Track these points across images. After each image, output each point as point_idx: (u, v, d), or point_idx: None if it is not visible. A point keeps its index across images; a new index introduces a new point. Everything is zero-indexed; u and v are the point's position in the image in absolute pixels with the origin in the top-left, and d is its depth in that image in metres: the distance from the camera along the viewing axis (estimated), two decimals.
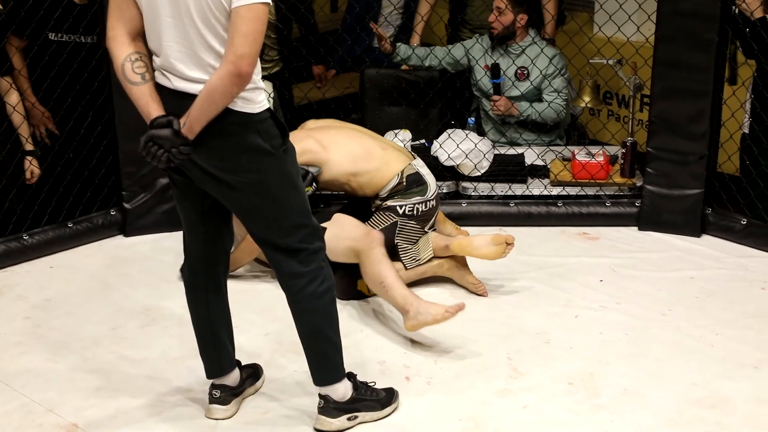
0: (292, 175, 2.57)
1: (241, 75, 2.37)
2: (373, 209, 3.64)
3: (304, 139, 3.53)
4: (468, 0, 4.92)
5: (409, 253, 3.59)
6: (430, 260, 3.61)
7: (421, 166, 3.68)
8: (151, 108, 2.46)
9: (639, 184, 4.24)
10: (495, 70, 4.57)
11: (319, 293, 2.65)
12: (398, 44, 4.67)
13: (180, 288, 2.82)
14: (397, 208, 3.57)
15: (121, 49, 2.48)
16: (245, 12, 2.34)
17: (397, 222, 3.56)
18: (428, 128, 4.71)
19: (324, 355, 2.73)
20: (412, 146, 4.44)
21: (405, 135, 4.44)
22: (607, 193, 4.28)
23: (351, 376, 2.82)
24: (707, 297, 3.61)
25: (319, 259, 2.66)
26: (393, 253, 3.52)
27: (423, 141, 4.57)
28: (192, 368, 3.08)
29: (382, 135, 4.45)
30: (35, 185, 3.97)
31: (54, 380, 3.07)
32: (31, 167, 3.96)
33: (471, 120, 4.64)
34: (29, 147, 3.96)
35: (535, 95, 4.63)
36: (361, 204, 3.69)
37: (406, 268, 3.57)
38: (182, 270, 2.88)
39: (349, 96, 4.83)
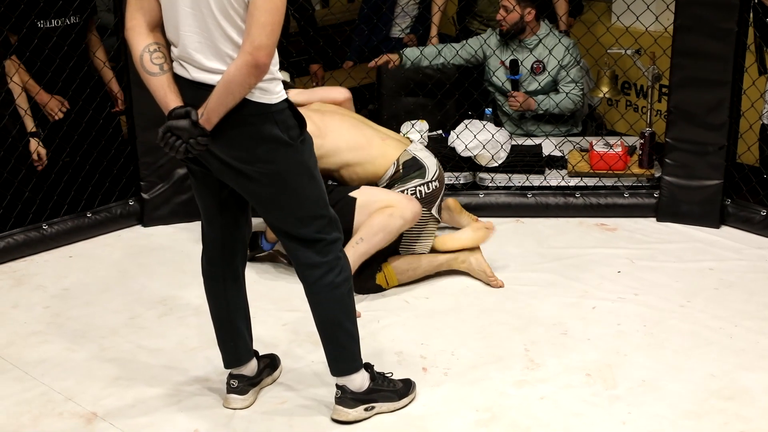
0: (310, 165, 2.58)
1: (259, 66, 2.37)
2: None
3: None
4: None
5: (407, 242, 3.58)
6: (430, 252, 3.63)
7: (418, 150, 3.66)
8: (169, 99, 2.47)
9: (657, 174, 4.22)
10: (514, 66, 4.55)
11: (337, 283, 2.65)
12: (402, 51, 4.63)
13: (197, 278, 2.83)
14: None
15: (140, 40, 2.48)
16: (263, 3, 2.34)
17: None
18: (445, 119, 4.69)
19: (341, 346, 2.73)
20: (429, 137, 4.43)
21: (422, 126, 4.43)
22: (626, 183, 4.26)
23: (368, 367, 2.82)
24: (726, 288, 3.59)
25: (337, 249, 2.66)
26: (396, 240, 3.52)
27: (440, 132, 4.56)
28: (209, 358, 3.09)
29: (399, 126, 4.46)
30: (55, 175, 3.99)
31: (73, 369, 3.09)
32: (38, 149, 3.97)
33: (488, 110, 4.63)
34: (32, 129, 3.96)
35: (552, 87, 4.61)
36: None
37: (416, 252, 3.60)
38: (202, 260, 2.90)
39: (366, 86, 4.83)
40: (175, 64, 2.51)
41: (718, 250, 3.90)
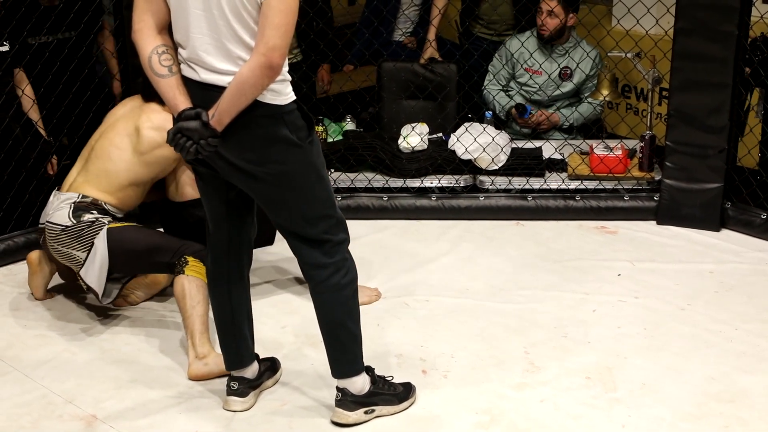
0: (318, 166, 2.58)
1: (273, 67, 2.37)
2: None
3: None
4: None
5: None
6: None
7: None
8: (179, 100, 2.47)
9: (658, 178, 4.22)
10: (521, 109, 4.61)
11: (342, 285, 2.65)
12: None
13: None
14: None
15: (148, 42, 2.48)
16: (277, 3, 2.34)
17: None
18: (445, 122, 4.70)
19: (343, 348, 2.73)
20: (429, 140, 4.43)
21: (422, 128, 4.44)
22: (626, 186, 4.26)
23: (369, 370, 2.82)
24: (726, 291, 3.59)
25: (343, 250, 2.66)
26: None
27: (440, 134, 4.57)
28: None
29: (400, 128, 4.46)
30: (54, 178, 3.99)
31: (73, 371, 3.10)
32: (52, 159, 3.99)
33: (488, 113, 4.64)
34: (46, 138, 3.98)
35: (574, 94, 4.65)
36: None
37: None
38: (204, 260, 2.90)
39: (367, 89, 4.83)
40: (183, 66, 2.51)
41: (718, 253, 3.90)
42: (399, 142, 4.40)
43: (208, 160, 2.54)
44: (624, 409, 2.88)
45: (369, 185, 4.27)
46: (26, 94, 3.92)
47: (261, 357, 2.97)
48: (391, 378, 2.89)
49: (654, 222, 4.17)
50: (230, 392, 2.87)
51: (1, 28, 3.78)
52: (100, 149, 3.32)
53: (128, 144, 3.27)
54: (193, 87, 2.48)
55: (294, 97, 2.52)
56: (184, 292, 3.08)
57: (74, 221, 3.22)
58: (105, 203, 3.28)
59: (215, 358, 3.01)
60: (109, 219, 3.24)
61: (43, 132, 3.99)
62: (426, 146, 4.39)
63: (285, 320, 3.38)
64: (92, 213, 3.23)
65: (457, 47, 4.91)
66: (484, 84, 4.74)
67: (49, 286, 3.57)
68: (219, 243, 2.74)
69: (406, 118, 4.64)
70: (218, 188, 2.65)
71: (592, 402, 2.92)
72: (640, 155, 4.29)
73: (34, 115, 3.95)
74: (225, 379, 2.90)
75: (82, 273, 3.21)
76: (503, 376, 3.05)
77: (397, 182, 4.29)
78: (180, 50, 2.51)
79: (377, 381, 2.82)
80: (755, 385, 2.99)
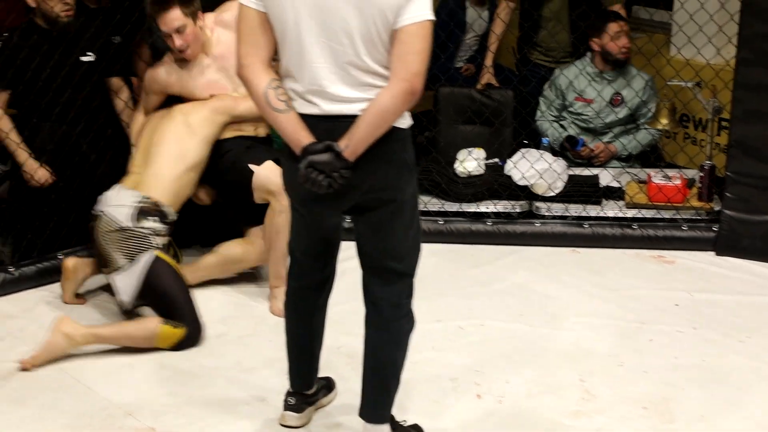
0: (416, 195, 2.57)
1: (415, 92, 2.35)
2: None
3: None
4: (542, 22, 4.89)
5: None
6: None
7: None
8: (301, 135, 2.40)
9: (717, 208, 4.18)
10: (572, 142, 4.61)
11: (407, 330, 2.64)
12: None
13: (254, 300, 2.85)
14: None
15: (260, 77, 2.41)
16: (417, 29, 2.33)
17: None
18: (502, 147, 4.71)
19: (387, 392, 2.67)
20: (485, 164, 4.44)
21: (479, 153, 4.45)
22: (684, 216, 4.22)
23: (392, 420, 2.75)
24: None
25: (412, 293, 2.64)
26: None
27: (496, 160, 4.58)
28: (265, 377, 3.14)
29: (456, 153, 4.48)
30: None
31: (133, 385, 3.15)
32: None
33: (545, 140, 4.64)
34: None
35: (630, 120, 4.63)
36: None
37: None
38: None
39: (424, 113, 4.86)
40: (297, 101, 2.44)
41: None
42: (455, 166, 4.42)
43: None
44: None
45: (425, 209, 4.28)
46: (122, 99, 3.94)
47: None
48: (404, 422, 2.81)
49: (712, 253, 4.12)
50: (287, 407, 2.87)
51: (81, 36, 3.79)
52: (158, 139, 3.56)
53: (181, 127, 3.57)
54: (312, 121, 2.41)
55: (411, 121, 2.49)
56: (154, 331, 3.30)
57: (133, 224, 3.36)
58: (163, 205, 3.45)
59: None
60: (159, 242, 3.42)
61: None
62: (482, 171, 4.40)
63: (342, 340, 3.38)
64: (152, 219, 3.38)
65: (514, 74, 4.93)
66: (537, 116, 4.74)
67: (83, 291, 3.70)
68: (312, 270, 2.68)
69: (462, 142, 4.65)
70: (324, 227, 2.59)
71: None
72: (699, 185, 4.25)
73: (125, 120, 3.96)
74: (281, 397, 2.92)
75: (117, 279, 3.37)
76: (558, 404, 3.03)
77: (452, 206, 4.31)
78: (290, 84, 2.44)
79: (397, 429, 2.76)
80: None
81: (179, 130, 3.58)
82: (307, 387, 2.86)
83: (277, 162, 3.39)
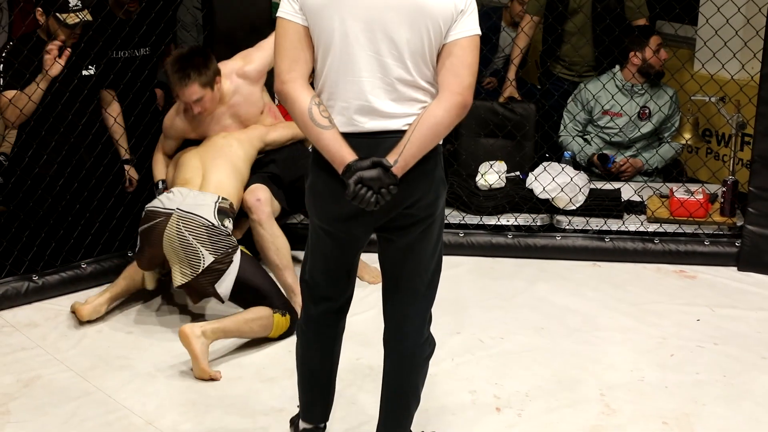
0: (444, 210, 2.55)
1: (467, 106, 2.36)
2: None
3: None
4: (566, 36, 4.89)
5: None
6: None
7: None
8: (344, 152, 2.34)
9: (739, 223, 4.16)
10: (604, 159, 4.62)
11: (428, 354, 2.62)
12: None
13: None
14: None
15: (303, 94, 2.36)
16: (468, 43, 2.34)
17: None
18: (523, 161, 4.71)
19: (407, 417, 2.64)
20: (507, 178, 4.44)
21: (500, 167, 4.46)
22: (706, 231, 4.20)
23: None
24: None
25: (431, 317, 2.61)
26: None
27: (518, 173, 4.58)
28: (284, 388, 3.14)
29: (477, 166, 4.48)
30: (131, 195, 4.09)
31: (153, 393, 3.17)
32: (130, 174, 4.10)
33: (567, 153, 4.63)
34: (127, 156, 4.09)
35: (653, 134, 4.63)
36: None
37: None
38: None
39: None
40: (336, 119, 2.38)
41: None
42: (477, 179, 4.43)
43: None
44: None
45: (445, 221, 4.28)
46: (110, 113, 4.01)
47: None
48: None
49: (735, 268, 4.10)
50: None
51: (87, 51, 3.85)
52: (213, 154, 3.69)
53: (235, 145, 3.76)
54: (354, 139, 2.36)
55: None
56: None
57: (218, 223, 3.45)
58: (233, 206, 3.60)
59: None
60: (235, 240, 3.53)
61: (124, 150, 4.07)
62: (503, 184, 4.40)
63: (360, 352, 3.39)
64: (230, 219, 3.52)
65: (537, 88, 4.93)
66: (560, 130, 4.74)
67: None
68: (334, 296, 2.59)
69: (484, 155, 4.66)
70: (350, 250, 2.53)
71: None
72: (722, 200, 4.23)
73: (117, 133, 4.03)
74: (296, 408, 2.91)
75: (216, 284, 3.43)
76: (578, 418, 3.02)
77: (473, 219, 4.31)
78: (329, 101, 2.39)
79: None
80: None
81: (232, 150, 3.74)
82: (320, 420, 2.74)
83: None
